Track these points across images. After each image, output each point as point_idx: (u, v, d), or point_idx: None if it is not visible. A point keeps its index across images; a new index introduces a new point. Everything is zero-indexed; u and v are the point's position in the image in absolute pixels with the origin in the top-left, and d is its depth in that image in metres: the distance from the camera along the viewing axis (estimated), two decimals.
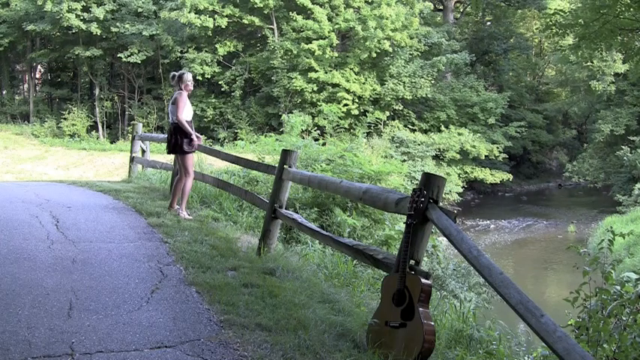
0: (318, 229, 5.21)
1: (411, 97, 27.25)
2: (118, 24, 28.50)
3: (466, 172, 27.27)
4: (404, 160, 23.77)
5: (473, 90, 29.10)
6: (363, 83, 26.80)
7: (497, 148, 27.48)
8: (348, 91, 26.22)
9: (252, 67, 28.42)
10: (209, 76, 27.97)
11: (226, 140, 27.30)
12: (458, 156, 26.55)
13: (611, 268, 3.75)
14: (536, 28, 35.40)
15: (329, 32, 25.93)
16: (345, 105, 25.97)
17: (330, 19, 26.42)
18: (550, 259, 18.09)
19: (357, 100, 26.66)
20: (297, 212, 7.29)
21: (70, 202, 7.83)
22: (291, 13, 26.56)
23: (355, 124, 25.91)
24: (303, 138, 13.16)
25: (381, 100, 27.20)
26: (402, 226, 7.23)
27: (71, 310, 3.75)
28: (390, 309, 3.41)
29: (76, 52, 28.90)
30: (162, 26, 28.78)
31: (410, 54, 27.81)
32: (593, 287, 3.63)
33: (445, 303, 5.30)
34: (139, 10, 28.88)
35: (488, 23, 36.50)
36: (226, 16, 27.09)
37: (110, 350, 3.18)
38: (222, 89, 28.58)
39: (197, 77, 28.08)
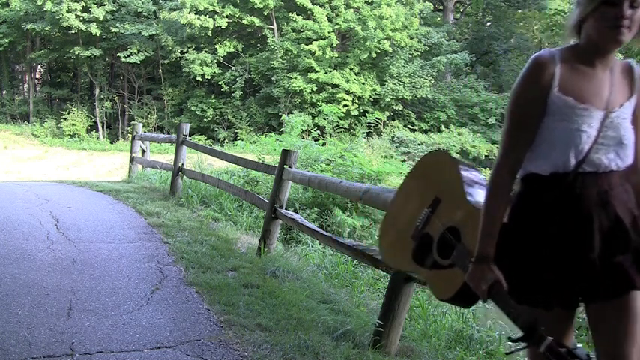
0: (318, 229, 5.20)
1: (411, 98, 27.26)
2: (117, 24, 28.52)
3: None
4: (404, 161, 23.73)
5: (473, 90, 29.11)
6: (363, 83, 26.81)
7: (498, 148, 27.45)
8: (347, 92, 26.24)
9: (252, 67, 28.42)
10: (209, 77, 27.98)
11: (226, 140, 27.30)
12: (458, 156, 26.54)
13: None
14: (536, 28, 35.40)
15: (329, 33, 25.94)
16: (345, 105, 25.99)
17: (330, 20, 26.43)
18: None
19: (356, 101, 26.67)
20: (297, 212, 7.29)
21: (70, 202, 7.83)
22: (291, 13, 26.58)
23: (355, 125, 25.92)
24: (303, 138, 13.17)
25: (381, 100, 27.21)
26: None
27: (71, 310, 3.74)
28: None
29: (76, 53, 28.92)
30: (162, 26, 28.79)
31: (410, 54, 27.82)
32: None
33: (445, 303, 5.29)
34: (139, 10, 28.90)
35: (489, 23, 36.47)
36: (226, 16, 27.10)
37: (110, 350, 3.18)
38: (222, 89, 28.58)
39: (197, 77, 28.15)
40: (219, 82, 28.26)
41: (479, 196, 2.00)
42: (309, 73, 26.14)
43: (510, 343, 1.78)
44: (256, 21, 27.52)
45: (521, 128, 1.86)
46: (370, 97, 27.01)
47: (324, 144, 12.72)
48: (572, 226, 1.78)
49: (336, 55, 26.82)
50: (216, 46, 27.62)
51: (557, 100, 1.79)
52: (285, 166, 5.66)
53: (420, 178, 2.25)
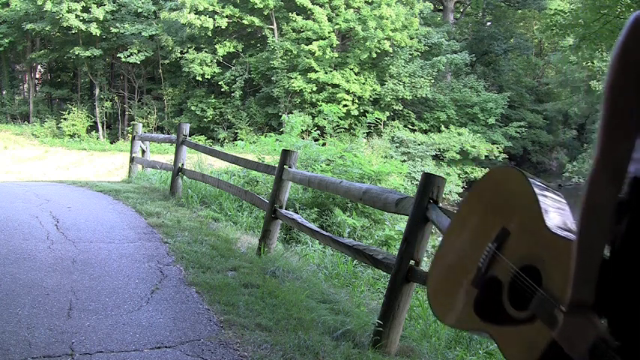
0: (318, 229, 5.20)
1: (411, 98, 27.28)
2: (117, 24, 28.54)
3: (466, 173, 27.29)
4: (404, 161, 23.79)
5: (473, 90, 29.14)
6: (363, 83, 26.83)
7: (497, 148, 27.51)
8: (347, 92, 26.27)
9: (252, 67, 28.44)
10: (209, 77, 28.00)
11: (226, 140, 27.32)
12: (458, 156, 26.59)
13: None
14: (536, 28, 35.41)
15: (329, 33, 25.96)
16: (345, 105, 26.01)
17: (330, 20, 26.44)
18: None
19: (356, 101, 26.70)
20: (297, 212, 7.28)
21: (70, 202, 7.83)
22: (291, 13, 26.58)
23: (355, 125, 25.94)
24: (303, 138, 13.17)
25: (381, 100, 27.22)
26: (402, 227, 7.23)
27: (71, 310, 3.74)
28: None
29: (76, 53, 28.94)
30: (162, 26, 28.81)
31: (410, 54, 27.84)
32: None
33: None
34: (139, 10, 28.93)
35: (489, 23, 36.50)
36: (226, 16, 27.12)
37: (110, 350, 3.18)
38: (222, 89, 28.59)
39: (197, 77, 28.17)
40: (219, 82, 28.28)
41: (561, 222, 1.46)
42: (309, 73, 26.15)
43: None
44: (256, 21, 27.53)
45: (619, 115, 1.29)
46: (370, 97, 27.02)
47: (324, 144, 12.70)
48: None
49: (336, 55, 26.83)
50: (216, 46, 27.63)
51: None
52: (285, 166, 5.66)
53: (479, 206, 1.67)
